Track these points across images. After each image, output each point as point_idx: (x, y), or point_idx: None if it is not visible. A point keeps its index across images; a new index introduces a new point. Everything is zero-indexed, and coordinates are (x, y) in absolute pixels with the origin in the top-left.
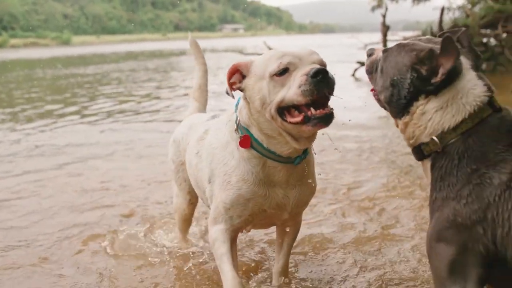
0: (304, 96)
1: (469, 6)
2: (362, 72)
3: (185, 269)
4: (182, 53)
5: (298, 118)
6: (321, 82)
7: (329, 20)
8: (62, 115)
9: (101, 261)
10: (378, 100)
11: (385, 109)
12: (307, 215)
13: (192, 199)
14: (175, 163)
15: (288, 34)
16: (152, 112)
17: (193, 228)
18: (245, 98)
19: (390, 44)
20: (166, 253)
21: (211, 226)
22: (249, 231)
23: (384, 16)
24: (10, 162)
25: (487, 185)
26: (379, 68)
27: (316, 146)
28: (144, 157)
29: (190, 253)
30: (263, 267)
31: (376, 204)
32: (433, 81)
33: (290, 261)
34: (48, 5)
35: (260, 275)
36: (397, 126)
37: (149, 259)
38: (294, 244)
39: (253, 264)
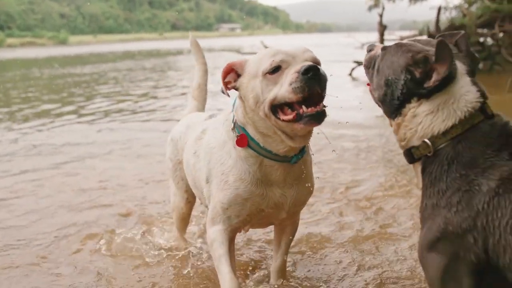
0: (295, 93)
1: (466, 5)
2: (359, 72)
3: (183, 268)
4: (179, 52)
5: (290, 116)
6: (312, 79)
7: (326, 19)
8: (59, 115)
9: (99, 260)
10: (374, 96)
11: (379, 106)
12: (305, 214)
13: (190, 198)
14: (173, 161)
15: (285, 34)
16: (149, 112)
17: (193, 228)
18: (240, 97)
19: (387, 44)
20: (164, 252)
21: (209, 226)
22: (247, 231)
23: (381, 16)
24: (7, 162)
25: (476, 192)
26: (376, 66)
27: (313, 145)
28: (141, 157)
29: (188, 252)
30: (261, 266)
31: (374, 203)
32: (425, 85)
33: (288, 260)
34: (44, 5)
35: (258, 273)
36: (391, 126)
37: (147, 259)
38: (292, 243)
39: (251, 263)
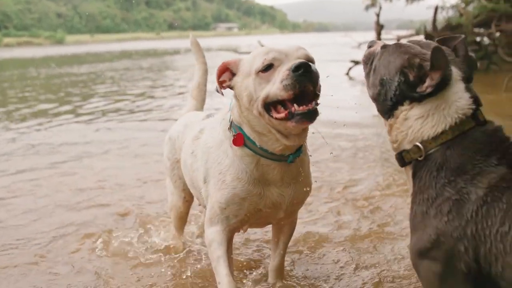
0: (286, 90)
1: (463, 5)
2: (356, 71)
3: (181, 268)
4: (176, 52)
5: (283, 114)
6: (304, 76)
7: (323, 19)
8: (56, 114)
9: (97, 260)
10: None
11: (374, 103)
12: (302, 214)
13: (187, 197)
14: (171, 160)
15: (282, 33)
16: (147, 111)
17: (192, 227)
18: (235, 96)
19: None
20: (162, 252)
21: (207, 227)
22: (246, 230)
23: (378, 15)
24: (5, 161)
25: (465, 201)
26: (373, 63)
27: (310, 145)
28: (139, 156)
29: (187, 252)
30: (259, 265)
31: (371, 203)
32: (418, 89)
33: (286, 259)
34: (41, 4)
35: (256, 272)
36: (385, 126)
37: (145, 260)
38: (290, 242)
39: (249, 262)
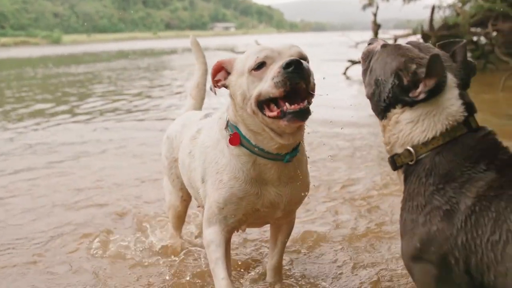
0: (277, 87)
1: (460, 4)
2: (353, 71)
3: (180, 268)
4: (173, 51)
5: (275, 113)
6: (294, 73)
7: (320, 18)
8: (54, 114)
9: (95, 259)
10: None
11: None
12: (301, 213)
13: (185, 196)
14: (168, 159)
15: (279, 33)
16: (144, 111)
17: (191, 227)
18: (230, 95)
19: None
20: (160, 252)
21: (205, 227)
22: (244, 230)
23: (375, 15)
24: (3, 161)
25: (454, 211)
26: (371, 62)
27: (308, 144)
28: (137, 156)
29: (185, 252)
30: (258, 264)
31: (369, 202)
32: (411, 94)
33: (284, 258)
34: (38, 4)
35: (254, 272)
36: (380, 126)
37: (143, 260)
38: (288, 241)
39: (247, 261)
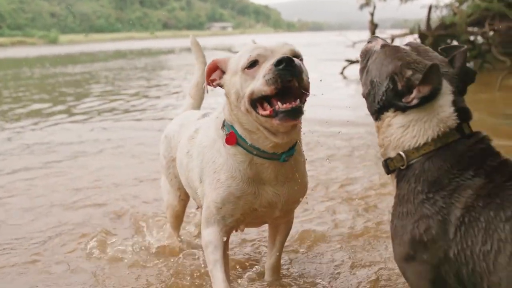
0: (268, 85)
1: (457, 4)
2: (350, 70)
3: (178, 268)
4: (170, 51)
5: (267, 111)
6: (285, 70)
7: (317, 18)
8: (51, 114)
9: (94, 259)
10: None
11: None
12: (299, 213)
13: (182, 196)
14: (166, 159)
15: (277, 32)
16: (142, 111)
17: (190, 227)
18: (225, 94)
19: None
20: (158, 252)
21: (204, 228)
22: (243, 230)
23: (372, 14)
24: (1, 161)
25: (445, 222)
26: (368, 62)
27: (306, 144)
28: (135, 155)
29: (184, 251)
30: (256, 263)
31: (367, 201)
32: (404, 99)
33: (283, 257)
34: (35, 4)
35: (252, 271)
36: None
37: (142, 260)
38: (287, 241)
39: (246, 260)
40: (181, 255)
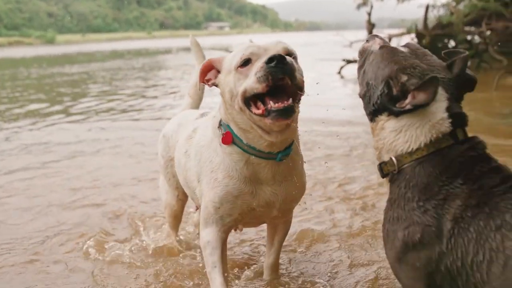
0: (259, 82)
1: (454, 3)
2: (348, 70)
3: (177, 267)
4: (167, 51)
5: (260, 110)
6: (277, 67)
7: (315, 18)
8: (49, 114)
9: (92, 259)
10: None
11: None
12: (297, 212)
13: (180, 195)
14: (165, 158)
15: (274, 32)
16: (139, 111)
17: (189, 227)
18: (221, 94)
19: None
20: (157, 251)
21: (202, 228)
22: (241, 230)
23: (369, 14)
24: None
25: (437, 233)
26: (366, 62)
27: (304, 143)
28: (132, 155)
29: (183, 251)
30: (255, 262)
31: (366, 201)
32: (398, 105)
33: (281, 257)
34: (32, 4)
35: (251, 270)
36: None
37: (140, 260)
38: (285, 241)
39: (244, 259)
40: (180, 255)
